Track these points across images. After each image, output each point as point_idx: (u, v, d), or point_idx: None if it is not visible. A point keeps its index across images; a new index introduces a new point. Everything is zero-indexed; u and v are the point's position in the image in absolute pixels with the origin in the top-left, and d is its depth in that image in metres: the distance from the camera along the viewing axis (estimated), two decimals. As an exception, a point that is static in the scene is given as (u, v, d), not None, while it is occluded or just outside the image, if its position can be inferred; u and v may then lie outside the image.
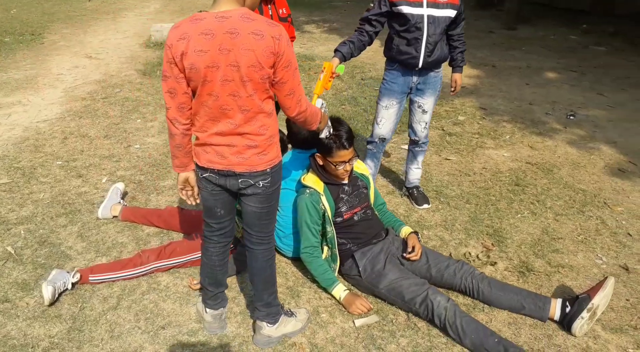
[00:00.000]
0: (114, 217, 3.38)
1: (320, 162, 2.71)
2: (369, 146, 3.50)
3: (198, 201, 2.26)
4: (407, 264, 2.73)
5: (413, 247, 2.73)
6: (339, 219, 2.72)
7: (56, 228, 3.27)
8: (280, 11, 3.21)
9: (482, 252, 3.07)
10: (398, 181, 3.91)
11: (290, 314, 2.46)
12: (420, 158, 3.58)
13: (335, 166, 2.63)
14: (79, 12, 11.08)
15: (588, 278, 2.86)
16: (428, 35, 3.03)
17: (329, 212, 2.67)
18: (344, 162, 2.63)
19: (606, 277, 2.51)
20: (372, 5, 3.17)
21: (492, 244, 3.15)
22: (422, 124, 3.40)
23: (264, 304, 2.35)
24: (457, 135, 4.79)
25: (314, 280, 2.77)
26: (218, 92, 1.93)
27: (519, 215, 3.47)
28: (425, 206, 3.54)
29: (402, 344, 2.40)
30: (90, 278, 2.76)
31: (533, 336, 2.46)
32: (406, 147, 4.44)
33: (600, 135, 4.82)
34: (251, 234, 2.26)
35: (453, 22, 3.11)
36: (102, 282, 2.77)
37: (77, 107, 5.38)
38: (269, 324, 2.36)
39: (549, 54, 8.00)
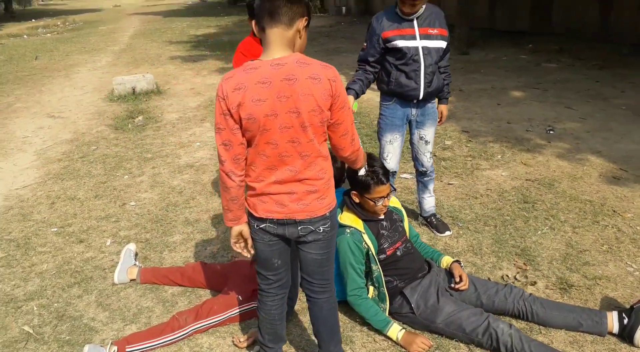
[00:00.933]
0: (131, 280, 3.18)
1: (357, 200, 2.66)
2: None
3: (252, 253, 2.15)
4: (456, 295, 2.69)
5: (460, 277, 2.70)
6: (382, 256, 2.66)
7: (71, 300, 3.03)
8: None
9: (518, 273, 3.08)
10: (410, 211, 3.90)
11: (355, 362, 2.35)
12: (430, 186, 3.60)
13: (374, 203, 2.59)
14: (27, 72, 10.70)
15: (627, 287, 2.91)
16: (425, 66, 3.08)
17: (372, 250, 2.61)
18: (383, 197, 2.59)
19: (656, 284, 2.56)
20: (365, 44, 3.22)
21: (524, 263, 3.17)
22: (427, 155, 3.43)
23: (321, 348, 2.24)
24: (450, 160, 4.87)
25: (363, 323, 2.67)
26: (277, 139, 1.88)
27: (539, 232, 3.52)
28: (448, 232, 3.53)
29: (474, 378, 2.33)
30: (127, 350, 2.55)
31: (604, 349, 2.45)
32: (407, 176, 4.49)
33: (583, 147, 5.03)
34: (313, 282, 2.17)
35: (443, 53, 3.18)
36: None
37: (55, 170, 5.10)
38: (334, 372, 2.25)
39: (507, 74, 8.38)
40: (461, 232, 3.58)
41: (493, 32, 12.16)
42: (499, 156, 4.91)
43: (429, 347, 2.50)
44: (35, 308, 2.97)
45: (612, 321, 2.52)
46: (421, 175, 3.57)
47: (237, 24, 18.71)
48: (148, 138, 5.99)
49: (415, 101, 3.21)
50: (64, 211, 4.20)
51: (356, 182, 2.61)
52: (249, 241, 2.10)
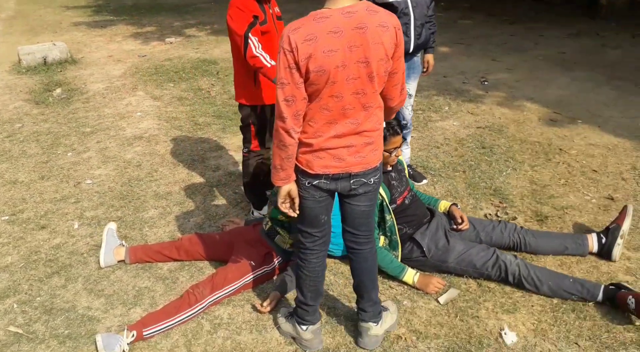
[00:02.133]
0: (119, 262, 3.00)
1: None
2: None
3: (297, 212, 2.12)
4: (458, 235, 2.86)
5: (461, 218, 2.87)
6: (393, 206, 2.75)
7: (55, 291, 2.81)
8: (276, 9, 3.09)
9: (497, 211, 3.33)
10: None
11: (385, 308, 2.44)
12: (408, 139, 3.73)
13: (389, 154, 2.65)
14: None
15: (590, 213, 3.27)
16: (415, 19, 3.15)
17: (386, 200, 2.69)
18: (397, 148, 2.66)
19: (626, 206, 2.90)
20: None
21: (500, 202, 3.43)
22: (408, 108, 3.54)
23: (372, 304, 2.31)
24: (401, 114, 5.03)
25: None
26: (343, 92, 1.85)
27: (504, 173, 3.81)
28: (424, 181, 3.70)
29: (489, 308, 2.53)
30: (145, 332, 2.44)
31: (584, 270, 2.76)
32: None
33: (518, 94, 5.43)
34: (358, 234, 2.20)
35: (429, 3, 3.26)
36: (157, 333, 2.46)
37: (-18, 153, 4.57)
38: (375, 324, 2.33)
39: (427, 30, 8.70)
40: (435, 179, 3.77)
41: None
42: (446, 108, 5.16)
43: (444, 286, 2.66)
44: (15, 306, 2.71)
45: (592, 242, 2.84)
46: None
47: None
48: (79, 111, 5.52)
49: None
50: (9, 197, 3.81)
51: None
52: (297, 200, 2.07)
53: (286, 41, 1.78)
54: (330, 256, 2.93)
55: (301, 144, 1.97)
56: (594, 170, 3.78)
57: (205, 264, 2.97)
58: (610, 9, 8.48)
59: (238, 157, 4.32)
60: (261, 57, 2.86)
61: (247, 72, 3.04)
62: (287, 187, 2.03)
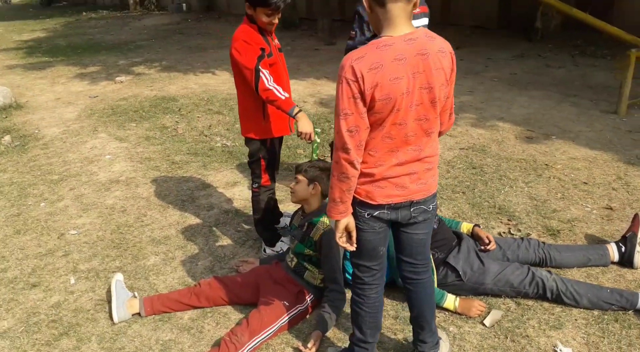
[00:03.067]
0: (133, 315, 2.75)
1: None
2: None
3: (355, 246, 2.02)
4: (487, 255, 2.86)
5: (487, 238, 2.87)
6: (425, 232, 2.71)
7: (70, 354, 2.52)
8: (275, 42, 3.03)
9: (509, 228, 3.38)
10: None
11: (439, 337, 2.37)
12: None
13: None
14: None
15: (595, 223, 3.38)
16: None
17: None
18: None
19: (637, 214, 3.03)
20: (353, 32, 3.21)
21: (509, 219, 3.48)
22: None
23: (432, 334, 2.23)
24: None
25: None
26: (406, 119, 1.81)
27: (502, 191, 3.89)
28: (430, 205, 3.70)
29: (535, 326, 2.53)
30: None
31: (611, 280, 2.83)
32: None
33: (487, 115, 5.63)
34: (416, 264, 2.13)
35: None
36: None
37: (-62, 209, 4.11)
38: (433, 354, 2.25)
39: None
40: (439, 202, 3.78)
41: (343, 22, 12.78)
42: (425, 131, 5.25)
43: (485, 309, 2.63)
44: (27, 373, 2.41)
45: (613, 251, 2.92)
46: None
47: (66, 25, 16.79)
48: (40, 158, 5.13)
49: None
50: (-16, 255, 3.42)
51: None
52: (354, 234, 1.98)
53: (349, 71, 1.74)
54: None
55: (361, 174, 1.90)
56: (584, 183, 3.95)
57: (230, 309, 2.78)
58: (545, 32, 9.09)
59: (229, 194, 4.15)
60: (275, 90, 2.78)
61: (255, 106, 2.94)
62: (345, 220, 1.95)
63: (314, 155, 3.08)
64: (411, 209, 1.97)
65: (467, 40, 9.75)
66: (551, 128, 5.10)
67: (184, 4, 17.42)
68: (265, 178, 3.08)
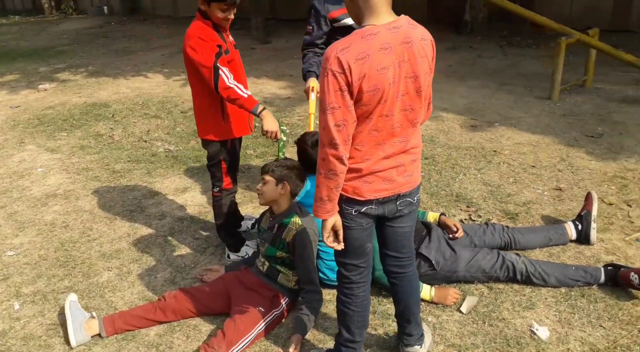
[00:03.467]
0: (93, 337, 2.53)
1: None
2: None
3: (342, 244, 1.94)
4: (455, 243, 2.87)
5: (455, 226, 2.89)
6: (396, 224, 2.68)
7: (27, 386, 2.27)
8: (230, 38, 2.89)
9: (470, 215, 3.43)
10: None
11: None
12: None
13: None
14: None
15: (549, 204, 3.51)
16: None
17: (391, 220, 2.61)
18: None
19: (589, 192, 3.15)
20: (310, 27, 3.14)
21: (467, 206, 3.54)
22: None
23: (417, 326, 2.20)
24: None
25: (389, 296, 2.66)
26: (393, 110, 1.76)
27: (456, 179, 3.95)
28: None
29: (509, 308, 2.56)
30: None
31: (572, 257, 2.93)
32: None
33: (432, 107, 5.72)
34: (402, 257, 2.09)
35: None
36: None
37: None
38: (419, 347, 2.22)
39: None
40: (397, 194, 3.78)
41: (276, 20, 12.68)
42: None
43: (460, 296, 2.64)
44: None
45: (570, 230, 3.03)
46: None
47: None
48: (-38, 175, 4.66)
49: None
50: None
51: None
52: (341, 232, 1.90)
53: (335, 63, 1.66)
54: (331, 287, 2.76)
55: (348, 170, 1.83)
56: (532, 166, 4.09)
57: (199, 321, 2.62)
58: (474, 24, 9.43)
59: (181, 200, 3.95)
60: (235, 88, 2.65)
61: (214, 106, 2.80)
62: (333, 219, 1.87)
63: (281, 154, 2.97)
64: (397, 203, 1.92)
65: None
66: (493, 116, 5.27)
67: (105, 7, 16.60)
68: (227, 181, 2.93)
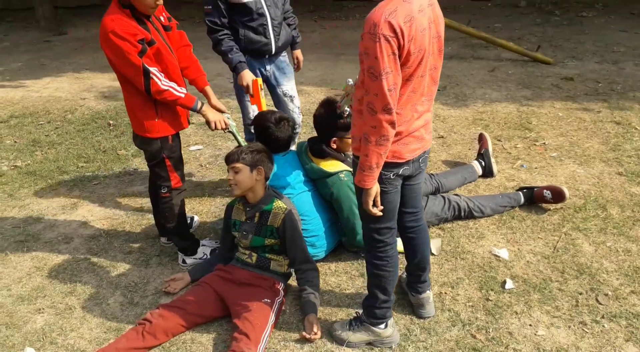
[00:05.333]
0: (79, 388, 2.13)
1: (335, 146, 2.72)
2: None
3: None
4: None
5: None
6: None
7: None
8: (161, 18, 2.57)
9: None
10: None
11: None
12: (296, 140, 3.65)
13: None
14: None
15: (441, 151, 4.00)
16: (272, 19, 3.03)
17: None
18: (354, 133, 2.72)
19: (481, 133, 3.69)
20: (209, 7, 2.95)
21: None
22: (296, 111, 3.37)
23: (428, 273, 2.37)
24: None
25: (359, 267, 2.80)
26: (425, 70, 1.85)
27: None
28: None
29: (466, 241, 2.93)
30: None
31: (486, 190, 3.43)
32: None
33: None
34: (416, 211, 2.23)
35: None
36: None
37: None
38: (430, 291, 2.42)
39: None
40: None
41: (66, 9, 11.16)
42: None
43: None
44: None
45: (478, 167, 3.53)
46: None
47: None
48: None
49: (267, 56, 3.14)
50: None
51: (335, 128, 2.65)
52: (378, 198, 1.94)
53: (386, 26, 1.67)
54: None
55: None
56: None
57: (194, 334, 2.39)
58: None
59: (77, 217, 3.43)
60: (171, 90, 2.45)
61: (145, 102, 2.51)
62: (376, 186, 1.91)
63: (241, 140, 2.79)
64: (420, 159, 2.04)
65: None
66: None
67: None
68: (175, 179, 2.66)
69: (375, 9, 1.72)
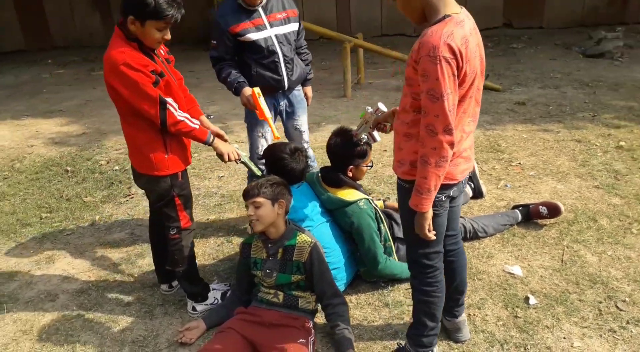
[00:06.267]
0: None
1: (351, 174, 2.68)
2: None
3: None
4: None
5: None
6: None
7: None
8: (162, 51, 2.44)
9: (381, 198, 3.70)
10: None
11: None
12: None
13: (368, 167, 2.67)
14: None
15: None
16: (284, 55, 2.98)
17: (379, 211, 2.69)
18: (370, 160, 2.71)
19: (466, 157, 3.79)
20: (214, 43, 2.91)
21: (380, 192, 3.81)
22: (306, 146, 3.28)
23: (465, 293, 2.34)
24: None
25: (388, 285, 2.74)
26: (474, 92, 1.87)
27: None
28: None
29: (477, 261, 2.95)
30: None
31: (480, 211, 3.50)
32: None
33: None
34: (455, 234, 2.23)
35: (297, 35, 3.11)
36: None
37: None
38: (465, 314, 2.39)
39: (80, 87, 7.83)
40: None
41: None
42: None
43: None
44: None
45: (469, 190, 3.61)
46: None
47: None
48: None
49: (281, 91, 3.08)
50: None
51: (352, 156, 2.63)
52: (431, 222, 1.91)
53: (446, 49, 1.69)
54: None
55: None
56: (384, 150, 4.62)
57: (225, 386, 2.19)
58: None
59: (57, 271, 3.12)
60: (186, 121, 2.34)
61: (153, 140, 2.36)
62: (432, 209, 1.89)
63: (255, 169, 2.66)
64: (464, 181, 2.04)
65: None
66: (315, 118, 5.63)
67: None
68: (185, 219, 2.48)
69: (430, 33, 1.73)
